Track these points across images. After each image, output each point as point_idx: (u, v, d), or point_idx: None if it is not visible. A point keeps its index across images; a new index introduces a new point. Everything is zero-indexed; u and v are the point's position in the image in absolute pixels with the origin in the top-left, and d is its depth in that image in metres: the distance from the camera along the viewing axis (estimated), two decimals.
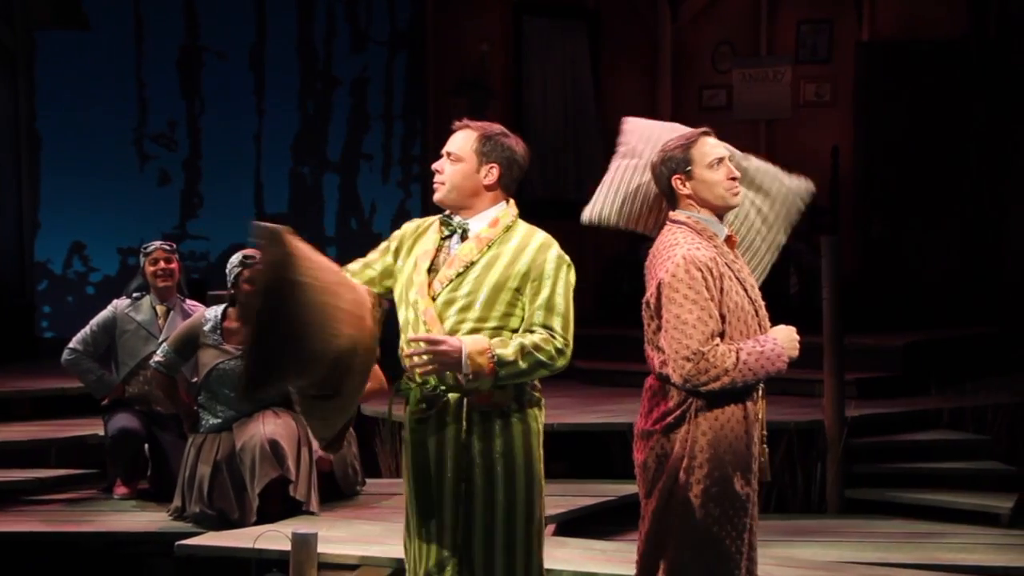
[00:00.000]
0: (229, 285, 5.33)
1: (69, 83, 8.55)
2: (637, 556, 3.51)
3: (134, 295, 5.90)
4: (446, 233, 3.49)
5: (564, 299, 3.41)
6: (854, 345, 6.80)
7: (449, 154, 3.49)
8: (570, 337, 3.41)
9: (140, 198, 8.75)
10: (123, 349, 5.82)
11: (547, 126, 9.91)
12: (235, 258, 5.33)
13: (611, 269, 9.70)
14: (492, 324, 3.37)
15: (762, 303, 3.53)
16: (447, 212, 3.53)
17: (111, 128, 8.70)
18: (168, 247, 5.95)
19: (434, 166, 3.51)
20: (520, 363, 3.33)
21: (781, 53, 9.94)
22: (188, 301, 5.98)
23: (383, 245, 3.62)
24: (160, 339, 5.77)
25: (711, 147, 3.50)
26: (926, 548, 5.47)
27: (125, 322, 5.82)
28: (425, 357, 3.31)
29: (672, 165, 3.49)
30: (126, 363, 5.82)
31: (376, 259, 3.60)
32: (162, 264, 5.86)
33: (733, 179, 3.49)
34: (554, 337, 3.37)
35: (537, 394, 3.49)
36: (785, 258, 9.02)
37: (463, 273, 3.40)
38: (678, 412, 3.40)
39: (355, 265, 3.62)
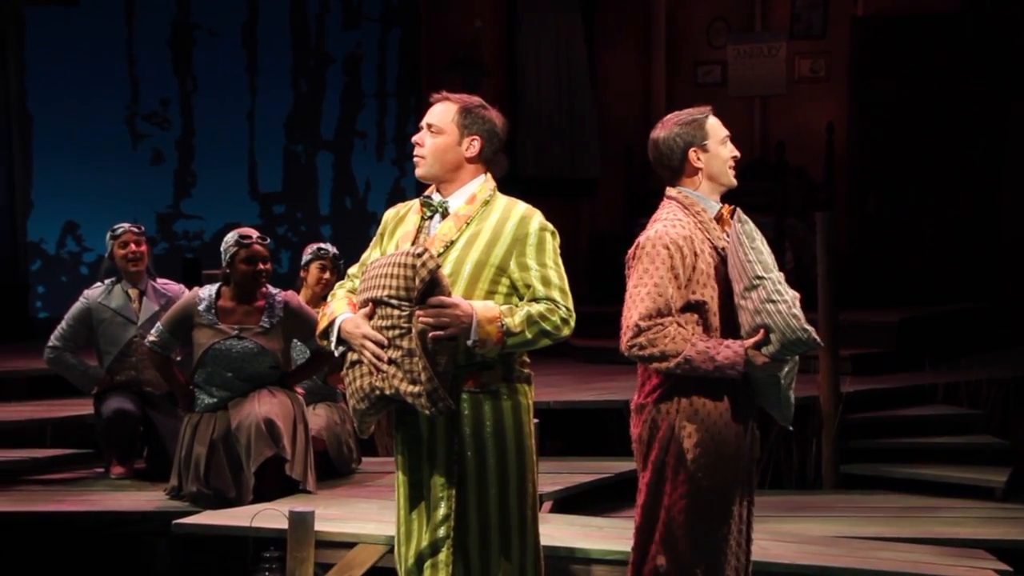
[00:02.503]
0: (224, 264, 5.31)
1: (59, 61, 8.51)
2: (634, 529, 3.55)
3: (105, 281, 5.86)
4: (427, 214, 3.47)
5: (556, 269, 3.41)
6: (849, 321, 6.81)
7: (430, 126, 3.46)
8: (571, 304, 3.41)
9: (133, 177, 8.73)
10: (103, 338, 5.78)
11: (541, 103, 9.89)
12: (231, 237, 5.31)
13: (605, 246, 9.71)
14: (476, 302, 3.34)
15: None
16: (427, 192, 3.51)
17: (103, 107, 8.67)
18: (137, 229, 5.88)
19: (414, 139, 3.48)
20: (526, 333, 3.32)
21: (776, 29, 9.93)
22: (159, 280, 5.96)
23: (374, 240, 3.60)
24: (139, 322, 5.75)
25: (720, 125, 3.58)
26: (921, 522, 5.49)
27: (100, 311, 5.78)
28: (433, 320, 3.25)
29: (689, 138, 3.54)
30: (108, 351, 5.79)
31: (369, 255, 3.59)
32: (132, 247, 5.81)
33: (734, 157, 3.58)
34: (558, 307, 3.36)
35: (526, 371, 3.48)
36: (780, 234, 9.09)
37: (443, 253, 3.38)
38: (668, 385, 3.45)
39: (354, 268, 3.61)
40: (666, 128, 3.56)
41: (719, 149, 3.54)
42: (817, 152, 9.41)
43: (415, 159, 3.48)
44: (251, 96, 9.18)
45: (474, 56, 9.54)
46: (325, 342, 3.46)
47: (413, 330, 3.25)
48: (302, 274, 5.88)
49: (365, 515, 4.91)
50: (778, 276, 3.41)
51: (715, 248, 3.48)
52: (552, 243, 3.42)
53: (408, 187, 9.56)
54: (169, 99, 8.91)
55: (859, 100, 9.54)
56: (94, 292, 5.86)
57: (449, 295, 3.29)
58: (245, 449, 5.07)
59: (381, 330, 3.30)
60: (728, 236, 3.52)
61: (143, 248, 5.86)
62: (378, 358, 3.30)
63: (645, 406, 3.49)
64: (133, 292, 5.84)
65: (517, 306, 3.35)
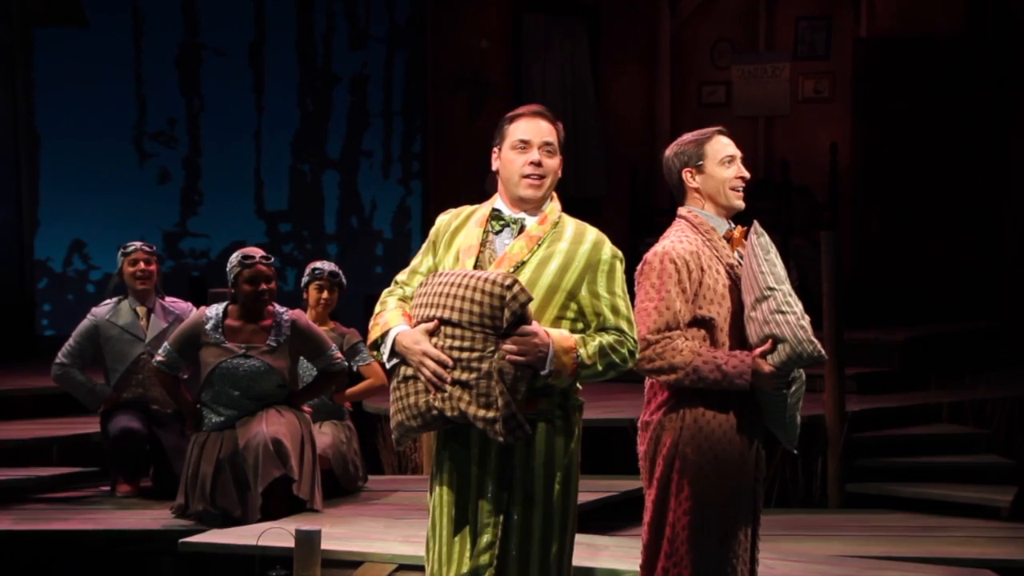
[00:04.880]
0: (229, 284, 5.33)
1: (68, 81, 8.56)
2: (642, 545, 3.57)
3: (113, 299, 5.88)
4: (497, 228, 3.32)
5: (624, 299, 3.31)
6: (854, 340, 6.81)
7: (548, 144, 3.31)
8: (636, 336, 3.31)
9: (140, 196, 8.77)
10: (110, 355, 5.79)
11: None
12: (235, 257, 5.33)
13: None
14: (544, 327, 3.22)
15: None
16: (495, 204, 3.36)
17: (110, 126, 8.71)
18: (148, 248, 5.89)
19: (531, 159, 3.28)
20: (598, 364, 3.22)
21: (780, 49, 9.96)
22: (167, 298, 5.97)
23: (424, 246, 3.45)
24: (146, 340, 5.77)
25: (725, 145, 3.57)
26: (927, 542, 5.48)
27: (108, 328, 5.79)
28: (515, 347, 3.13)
29: (684, 158, 3.56)
30: (116, 369, 5.79)
31: (420, 262, 3.44)
32: (142, 265, 5.83)
33: (742, 178, 3.55)
34: (626, 339, 3.27)
35: (580, 398, 3.38)
36: (785, 253, 9.10)
37: (513, 273, 3.21)
38: (673, 402, 3.47)
39: (402, 275, 3.45)
40: (671, 148, 3.60)
41: (716, 170, 3.53)
42: (821, 171, 9.43)
43: (533, 180, 3.28)
44: (257, 115, 9.22)
45: (480, 76, 9.58)
46: (376, 353, 3.33)
47: (496, 356, 3.14)
48: (304, 295, 5.91)
49: (371, 533, 4.91)
50: (788, 289, 3.42)
51: (724, 266, 3.50)
52: (621, 270, 3.32)
53: (414, 206, 9.59)
54: (176, 118, 8.95)
55: (863, 120, 9.56)
56: (102, 309, 5.87)
57: (531, 324, 3.18)
58: (253, 469, 5.08)
59: (446, 350, 3.17)
60: (740, 255, 3.53)
61: (152, 267, 5.87)
62: (440, 378, 3.17)
63: (650, 423, 3.52)
64: (141, 310, 5.85)
65: (588, 335, 3.25)
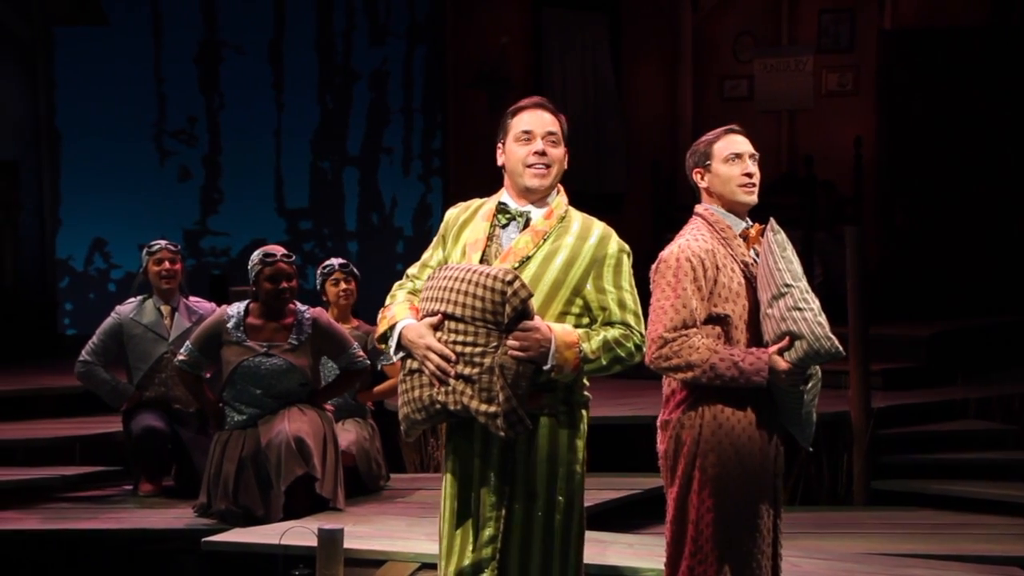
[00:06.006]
0: (251, 282, 5.32)
1: (88, 79, 8.59)
2: (665, 543, 3.56)
3: (137, 297, 5.88)
4: (503, 222, 3.34)
5: (632, 293, 3.32)
6: (879, 336, 6.77)
7: (551, 135, 3.33)
8: (644, 330, 3.32)
9: (160, 194, 8.79)
10: (133, 354, 5.79)
11: (567, 118, 9.88)
12: (256, 255, 5.32)
13: (635, 262, 9.66)
14: (548, 322, 3.23)
15: None
16: (501, 198, 3.38)
17: (130, 124, 8.73)
18: (173, 247, 5.89)
19: (536, 148, 3.30)
20: (602, 359, 3.23)
21: (803, 42, 9.90)
22: (191, 298, 5.97)
23: (434, 240, 3.46)
24: (170, 339, 5.76)
25: (732, 143, 3.57)
26: (953, 539, 5.44)
27: (131, 327, 5.79)
28: (518, 342, 3.14)
29: (695, 158, 3.61)
30: (139, 368, 5.80)
31: (430, 256, 3.45)
32: (167, 265, 5.83)
33: (747, 175, 3.54)
34: (632, 333, 3.28)
35: (586, 393, 3.38)
36: (809, 248, 9.05)
37: (518, 268, 3.23)
38: (692, 400, 3.47)
39: (414, 269, 3.46)
40: (690, 149, 3.64)
41: (721, 168, 3.53)
42: (845, 166, 9.38)
43: (538, 169, 3.30)
44: (277, 112, 9.23)
45: (500, 72, 9.55)
46: (383, 345, 3.35)
47: (498, 352, 3.15)
48: (323, 297, 5.89)
49: (394, 532, 4.90)
50: (805, 286, 3.42)
51: (739, 264, 3.49)
52: (628, 264, 3.34)
53: (435, 203, 9.56)
54: (196, 116, 8.96)
55: (887, 113, 9.49)
56: (126, 308, 5.88)
57: (533, 319, 3.19)
58: (275, 467, 5.07)
59: (449, 344, 3.19)
60: (756, 253, 3.52)
61: (177, 267, 5.87)
62: (443, 372, 3.18)
63: (670, 422, 3.52)
64: (165, 308, 5.86)
65: (593, 330, 3.26)
